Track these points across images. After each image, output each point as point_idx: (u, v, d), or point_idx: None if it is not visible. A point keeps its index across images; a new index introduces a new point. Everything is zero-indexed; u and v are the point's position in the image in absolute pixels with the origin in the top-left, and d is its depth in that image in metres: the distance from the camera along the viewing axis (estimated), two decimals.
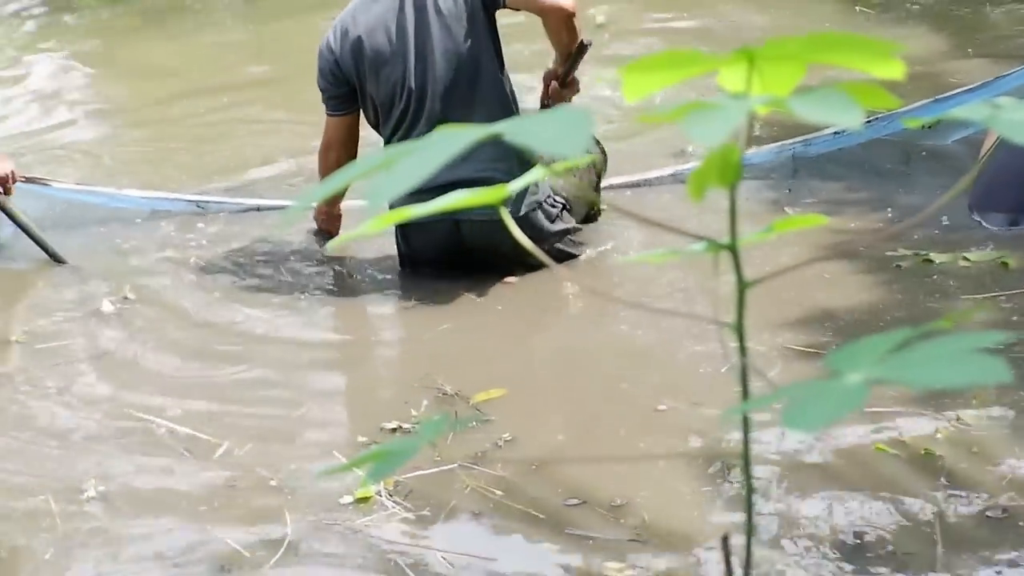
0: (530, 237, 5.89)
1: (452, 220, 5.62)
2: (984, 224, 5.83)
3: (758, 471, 4.30)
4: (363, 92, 5.79)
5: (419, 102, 5.69)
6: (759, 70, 1.57)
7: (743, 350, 1.55)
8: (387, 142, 5.78)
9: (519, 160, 5.50)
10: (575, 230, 5.89)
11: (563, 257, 5.75)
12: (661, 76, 1.59)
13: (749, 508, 1.61)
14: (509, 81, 5.84)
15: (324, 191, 1.63)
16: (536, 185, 5.65)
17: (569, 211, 5.87)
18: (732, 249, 1.56)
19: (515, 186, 1.88)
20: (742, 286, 1.55)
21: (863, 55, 1.58)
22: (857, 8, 8.56)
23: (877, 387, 3.87)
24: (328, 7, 9.35)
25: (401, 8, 5.75)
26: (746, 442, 1.56)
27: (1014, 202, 5.82)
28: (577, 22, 5.75)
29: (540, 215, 5.72)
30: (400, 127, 5.73)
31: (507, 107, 5.73)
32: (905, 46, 1.60)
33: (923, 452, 4.43)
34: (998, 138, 5.74)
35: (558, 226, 5.79)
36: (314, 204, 6.02)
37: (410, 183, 1.43)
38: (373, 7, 5.80)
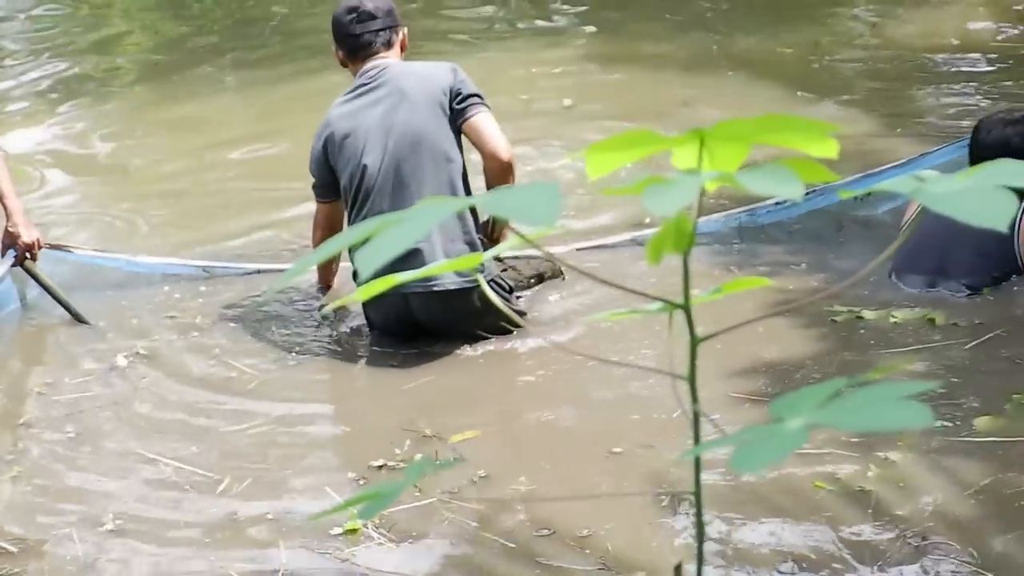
0: (477, 308, 5.93)
1: (401, 294, 5.51)
2: (903, 287, 5.86)
3: (707, 505, 4.30)
4: (339, 180, 5.78)
5: (371, 179, 5.62)
6: (709, 149, 1.59)
7: (695, 399, 1.56)
8: (349, 222, 5.79)
9: (452, 234, 5.54)
10: (521, 313, 5.76)
11: (504, 331, 5.66)
12: (621, 155, 1.61)
13: (700, 540, 1.61)
14: (464, 168, 5.75)
15: (314, 259, 1.64)
16: (483, 264, 5.58)
17: (514, 294, 5.85)
18: (685, 308, 1.58)
19: (489, 254, 1.90)
20: (694, 341, 1.56)
21: (802, 136, 1.60)
22: (798, 93, 8.60)
23: (815, 430, 3.88)
24: (318, 72, 9.37)
25: (375, 95, 5.74)
26: (698, 482, 1.57)
27: (932, 267, 5.85)
28: (512, 176, 5.75)
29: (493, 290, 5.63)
30: (355, 205, 5.67)
31: (455, 187, 5.65)
32: (839, 127, 1.62)
33: (856, 488, 4.44)
34: (919, 207, 5.77)
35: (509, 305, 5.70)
36: (312, 270, 6.11)
37: (394, 252, 1.44)
38: (352, 97, 5.81)
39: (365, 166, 5.62)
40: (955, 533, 4.22)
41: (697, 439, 1.56)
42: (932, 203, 1.52)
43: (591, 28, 10.66)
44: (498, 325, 5.55)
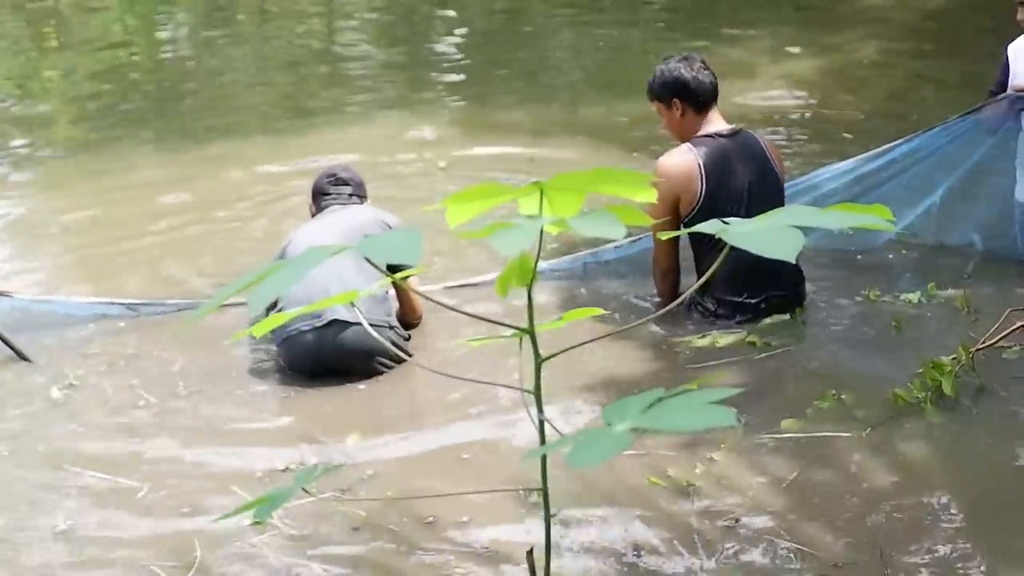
0: (370, 344, 5.54)
1: (310, 331, 5.46)
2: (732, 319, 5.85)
3: (558, 500, 4.32)
4: None
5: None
6: (548, 198, 1.60)
7: (540, 408, 1.57)
8: None
9: (371, 312, 5.49)
10: (408, 354, 5.62)
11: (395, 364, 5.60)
12: (475, 205, 1.61)
13: (547, 526, 1.62)
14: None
15: (221, 298, 1.62)
16: (389, 314, 5.64)
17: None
18: (531, 333, 1.58)
19: (366, 291, 1.90)
20: (538, 360, 1.57)
21: (625, 185, 1.62)
22: (633, 154, 8.64)
23: (652, 435, 3.89)
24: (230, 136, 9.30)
25: (324, 217, 5.84)
26: (544, 477, 1.58)
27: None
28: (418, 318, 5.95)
29: (390, 332, 5.56)
30: None
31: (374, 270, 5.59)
32: (656, 178, 1.64)
33: (685, 483, 4.48)
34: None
35: (401, 345, 5.60)
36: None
37: (280, 290, 1.44)
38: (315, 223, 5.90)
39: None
40: (766, 516, 4.29)
41: (543, 441, 1.57)
42: (736, 241, 1.54)
43: (458, 102, 10.72)
44: (390, 359, 5.52)
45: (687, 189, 5.74)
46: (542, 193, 1.59)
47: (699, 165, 5.77)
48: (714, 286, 5.80)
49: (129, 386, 5.55)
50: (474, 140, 9.39)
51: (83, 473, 4.82)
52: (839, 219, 1.57)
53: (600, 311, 1.93)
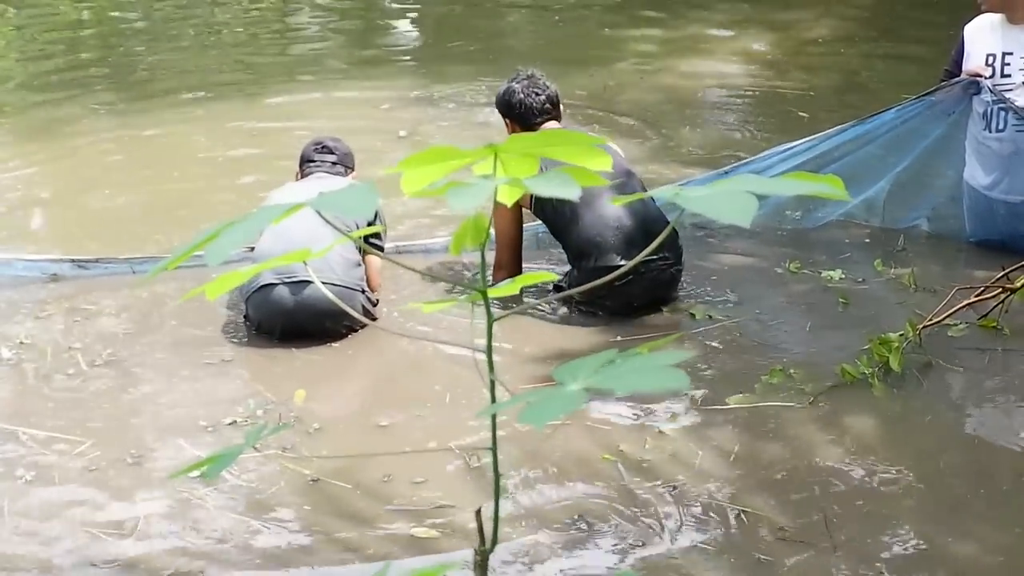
0: (331, 304, 5.47)
1: (273, 287, 5.46)
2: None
3: (509, 472, 4.37)
4: None
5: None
6: (503, 161, 1.59)
7: (492, 368, 1.57)
8: None
9: (336, 270, 5.45)
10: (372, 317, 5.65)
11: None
12: (431, 169, 1.60)
13: (496, 487, 1.62)
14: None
15: (180, 256, 1.61)
16: (362, 279, 5.60)
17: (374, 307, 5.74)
18: (483, 292, 1.58)
19: (323, 244, 1.89)
20: (490, 319, 1.58)
21: (578, 149, 1.61)
22: (595, 126, 8.65)
23: (601, 407, 3.91)
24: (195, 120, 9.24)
25: (308, 188, 5.75)
26: (494, 435, 1.58)
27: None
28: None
29: (362, 296, 5.54)
30: None
31: (350, 249, 5.56)
32: (607, 140, 1.64)
33: (635, 458, 4.51)
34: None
35: (370, 310, 5.60)
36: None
37: (236, 246, 1.44)
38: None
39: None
40: (714, 486, 4.33)
41: (493, 399, 1.57)
42: (689, 205, 1.54)
43: (410, 69, 10.72)
44: (357, 322, 5.48)
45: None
46: (496, 156, 1.59)
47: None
48: (581, 255, 5.65)
49: (80, 344, 5.51)
50: (429, 108, 9.39)
51: (18, 431, 4.79)
52: (792, 187, 1.58)
53: (553, 276, 1.94)
